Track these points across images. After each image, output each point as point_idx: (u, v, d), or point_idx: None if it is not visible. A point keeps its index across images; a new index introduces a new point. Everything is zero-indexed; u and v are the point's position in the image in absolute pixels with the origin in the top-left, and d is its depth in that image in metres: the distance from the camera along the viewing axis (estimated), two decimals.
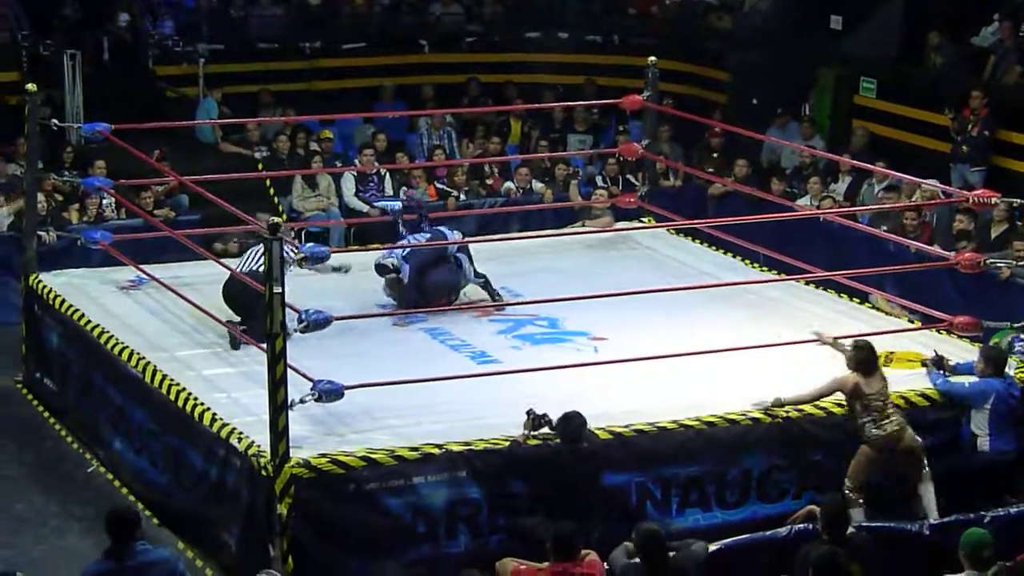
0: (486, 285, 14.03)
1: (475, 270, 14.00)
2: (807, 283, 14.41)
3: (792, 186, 18.80)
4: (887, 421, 11.65)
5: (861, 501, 11.61)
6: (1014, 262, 13.99)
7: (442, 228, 14.30)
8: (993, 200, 13.32)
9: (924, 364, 12.45)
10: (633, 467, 11.42)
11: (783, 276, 14.51)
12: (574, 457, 11.10)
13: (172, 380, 12.14)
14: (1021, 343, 12.91)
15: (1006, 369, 12.19)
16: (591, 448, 11.19)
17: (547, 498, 11.07)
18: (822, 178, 18.65)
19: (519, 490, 11.18)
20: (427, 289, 13.64)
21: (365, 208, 18.27)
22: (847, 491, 11.59)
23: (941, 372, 12.26)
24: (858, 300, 14.40)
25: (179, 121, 19.58)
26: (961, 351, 12.87)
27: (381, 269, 13.83)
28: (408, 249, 13.68)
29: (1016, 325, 12.89)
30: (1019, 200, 13.44)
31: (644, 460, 11.48)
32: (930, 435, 12.09)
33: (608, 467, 11.32)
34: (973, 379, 12.17)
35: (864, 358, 11.79)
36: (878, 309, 14.36)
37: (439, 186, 18.98)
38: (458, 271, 13.83)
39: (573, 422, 11.16)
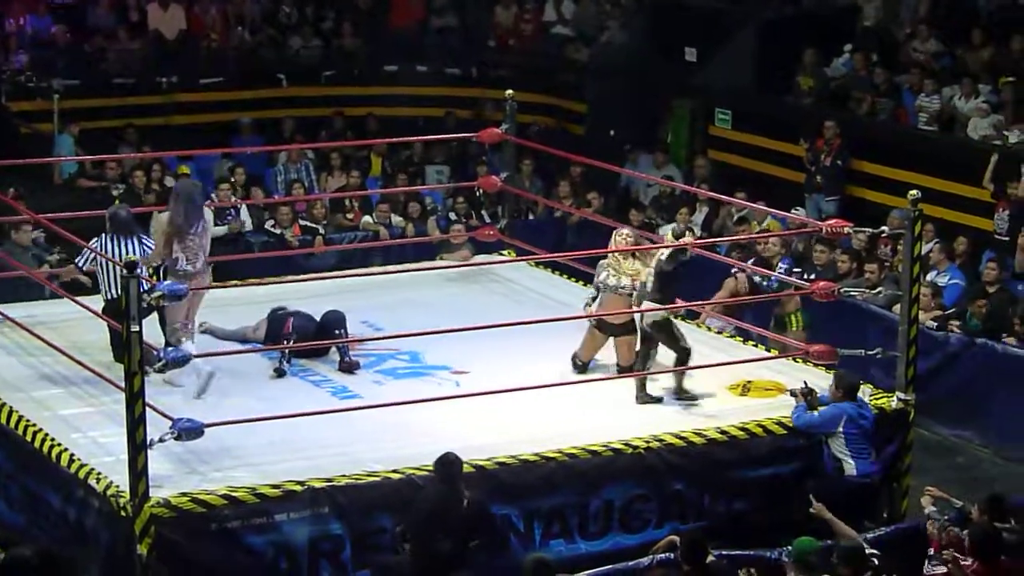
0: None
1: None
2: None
3: (650, 217, 18.97)
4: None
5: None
6: (867, 290, 14.18)
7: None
8: (846, 229, 13.51)
9: (793, 394, 12.52)
10: (496, 500, 11.42)
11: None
12: (455, 499, 10.83)
13: (28, 421, 11.96)
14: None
15: (858, 395, 12.39)
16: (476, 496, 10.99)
17: (415, 534, 10.95)
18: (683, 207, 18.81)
19: (385, 526, 11.16)
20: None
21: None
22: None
23: (803, 406, 12.37)
24: (716, 331, 14.55)
25: (34, 158, 19.28)
26: (819, 379, 13.01)
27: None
28: None
29: (870, 352, 13.06)
30: (872, 229, 13.68)
31: (506, 493, 11.50)
32: (792, 463, 12.29)
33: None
34: (824, 408, 12.31)
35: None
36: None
37: (303, 223, 18.87)
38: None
39: (452, 466, 10.90)
